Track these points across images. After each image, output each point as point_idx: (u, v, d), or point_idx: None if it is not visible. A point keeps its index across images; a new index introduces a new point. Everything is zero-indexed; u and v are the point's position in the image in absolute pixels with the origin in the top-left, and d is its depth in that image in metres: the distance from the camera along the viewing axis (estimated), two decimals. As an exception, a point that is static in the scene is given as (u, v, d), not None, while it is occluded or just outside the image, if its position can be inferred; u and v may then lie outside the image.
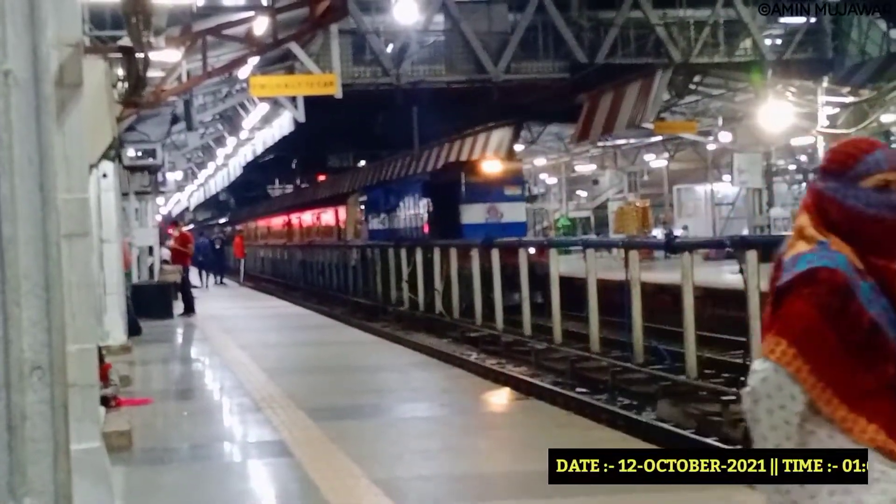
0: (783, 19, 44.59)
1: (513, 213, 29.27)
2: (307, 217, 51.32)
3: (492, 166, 30.12)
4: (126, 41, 10.82)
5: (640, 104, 26.89)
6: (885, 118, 29.14)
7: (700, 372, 14.53)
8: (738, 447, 12.08)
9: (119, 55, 11.57)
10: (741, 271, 13.60)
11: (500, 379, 17.43)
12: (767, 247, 14.20)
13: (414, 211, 32.87)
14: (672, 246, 15.54)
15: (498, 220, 28.34)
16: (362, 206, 39.28)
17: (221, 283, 42.36)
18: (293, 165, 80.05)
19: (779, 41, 44.48)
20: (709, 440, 12.34)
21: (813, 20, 43.82)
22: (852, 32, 42.84)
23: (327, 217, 47.15)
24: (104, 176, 17.05)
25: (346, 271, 38.86)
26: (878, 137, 31.79)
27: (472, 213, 28.78)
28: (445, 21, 42.20)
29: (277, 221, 59.10)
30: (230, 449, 10.42)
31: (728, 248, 14.88)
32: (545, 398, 14.98)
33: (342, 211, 41.90)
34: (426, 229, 31.66)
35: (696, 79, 29.75)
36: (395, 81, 41.87)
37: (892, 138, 34.10)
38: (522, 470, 8.70)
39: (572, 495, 7.79)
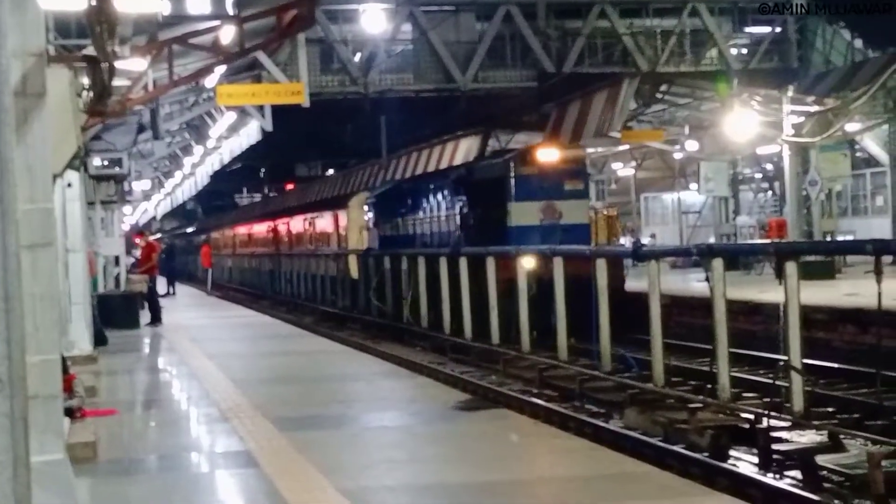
0: (749, 29, 44.96)
1: (574, 212, 23.54)
2: (296, 224, 47.35)
3: (549, 154, 23.99)
4: (91, 50, 10.75)
5: (607, 113, 26.96)
6: (850, 127, 29.31)
7: (667, 380, 14.56)
8: (705, 455, 12.13)
9: (84, 64, 11.50)
10: (707, 279, 13.65)
11: (469, 388, 17.41)
12: (733, 255, 14.28)
13: (443, 212, 27.25)
14: (639, 254, 15.56)
15: (555, 222, 23.03)
16: (369, 210, 33.80)
17: (172, 293, 40.27)
18: (261, 174, 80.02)
19: (744, 51, 44.84)
20: (675, 448, 12.36)
21: (778, 30, 44.21)
22: (817, 42, 43.22)
23: (322, 224, 42.35)
24: (69, 185, 16.95)
25: (344, 284, 37.28)
26: (843, 146, 32.05)
27: (524, 213, 23.16)
28: (413, 30, 42.30)
29: (260, 229, 56.16)
30: (197, 460, 10.35)
31: (694, 256, 14.93)
32: (513, 407, 14.98)
33: (342, 216, 36.83)
34: (457, 234, 26.07)
35: (663, 88, 29.80)
36: (363, 90, 41.96)
37: (857, 147, 34.34)
38: (489, 479, 8.70)
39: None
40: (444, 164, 35.55)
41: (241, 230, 60.26)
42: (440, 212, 27.29)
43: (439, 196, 27.49)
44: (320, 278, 38.01)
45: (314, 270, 39.10)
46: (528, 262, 19.21)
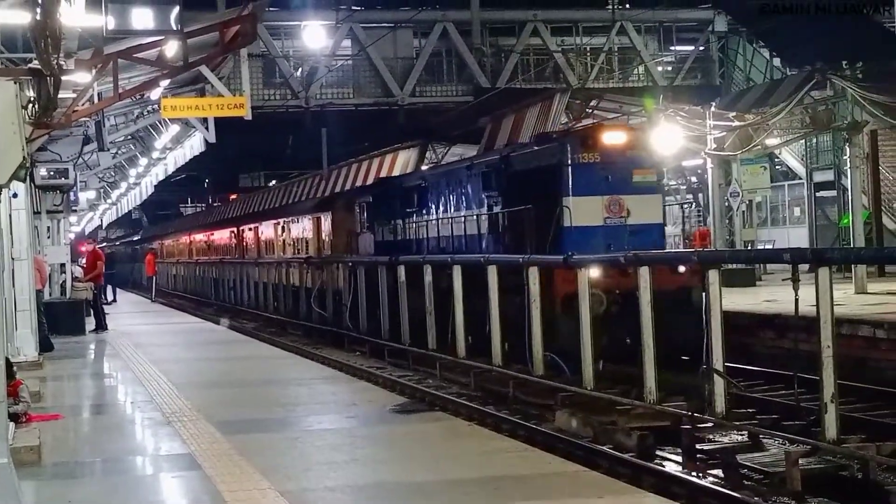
0: (674, 47, 45.49)
1: (645, 210, 18.46)
2: (240, 234, 45.12)
3: (615, 137, 18.67)
4: (37, 63, 10.62)
5: (539, 126, 27.07)
6: (769, 141, 29.75)
7: (596, 383, 14.65)
8: (631, 455, 12.22)
9: (30, 77, 11.36)
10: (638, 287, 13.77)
11: (407, 391, 17.42)
12: (658, 263, 14.40)
13: (465, 212, 21.95)
14: (568, 263, 15.64)
15: (622, 222, 18.18)
16: (362, 213, 28.48)
17: (112, 300, 39.04)
18: (205, 185, 79.56)
19: (669, 68, 45.34)
20: (603, 448, 12.44)
21: (701, 49, 44.77)
22: (738, 60, 43.80)
23: (266, 233, 40.01)
24: (14, 195, 16.76)
25: (286, 291, 36.45)
26: (763, 160, 32.49)
27: (584, 211, 18.07)
28: (353, 46, 42.33)
29: (204, 238, 54.43)
30: (140, 462, 10.24)
31: (622, 264, 15.01)
32: (450, 410, 15.01)
33: (325, 221, 31.63)
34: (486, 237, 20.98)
35: (593, 103, 30.04)
36: (304, 104, 41.88)
37: (776, 160, 34.82)
38: (424, 479, 8.72)
39: (475, 502, 7.84)
40: (383, 175, 35.49)
41: (185, 239, 59.83)
42: (461, 211, 22.13)
43: (459, 193, 22.35)
44: (263, 286, 37.86)
45: (257, 278, 38.92)
46: (594, 273, 15.70)
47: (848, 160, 30.31)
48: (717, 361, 12.28)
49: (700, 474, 11.54)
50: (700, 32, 44.80)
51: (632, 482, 9.91)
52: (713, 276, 12.44)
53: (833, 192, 32.64)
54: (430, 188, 23.97)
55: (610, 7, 43.48)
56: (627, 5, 43.78)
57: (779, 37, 40.99)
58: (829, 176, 32.64)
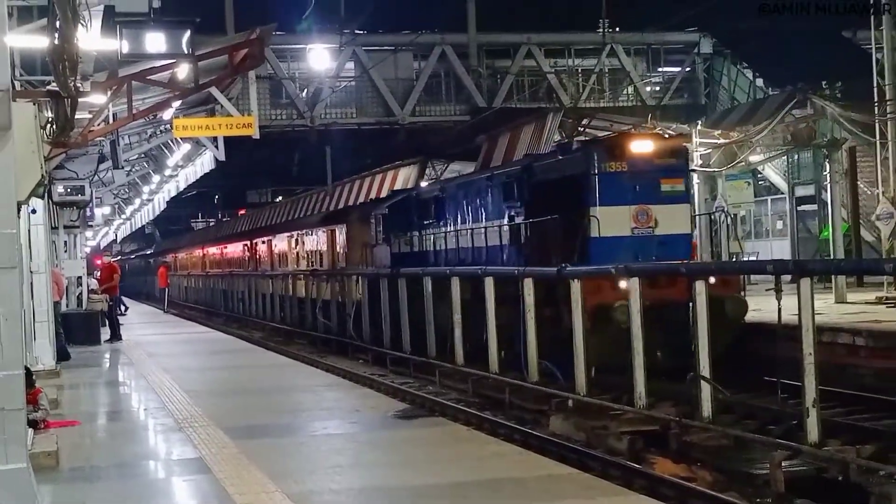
0: (661, 69, 45.59)
1: (673, 220, 17.37)
2: (249, 247, 44.63)
3: (643, 145, 17.52)
4: (54, 86, 10.63)
5: (533, 144, 27.12)
6: (752, 158, 29.79)
7: (589, 389, 14.63)
8: (622, 458, 12.20)
9: (48, 99, 11.37)
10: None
11: (408, 398, 17.40)
12: (648, 275, 14.37)
13: (484, 222, 20.78)
14: (562, 275, 15.62)
15: (650, 232, 17.16)
16: (378, 225, 27.14)
17: (124, 311, 38.10)
18: (215, 200, 79.62)
19: (657, 88, 45.42)
20: (595, 452, 12.43)
21: (688, 70, 44.87)
22: (723, 81, 43.89)
23: (274, 246, 39.43)
24: (33, 212, 16.77)
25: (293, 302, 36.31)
26: (746, 175, 32.51)
27: (611, 222, 17.01)
28: (355, 68, 42.39)
29: (214, 251, 54.03)
30: (154, 467, 10.22)
31: (615, 275, 14.99)
32: (449, 415, 14.99)
33: (340, 233, 30.35)
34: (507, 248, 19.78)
35: (584, 121, 30.08)
36: (310, 123, 41.96)
37: (759, 176, 34.84)
38: (425, 483, 8.70)
39: (471, 505, 7.84)
40: (384, 191, 35.48)
41: (197, 252, 59.81)
42: (480, 222, 21.00)
43: (478, 204, 21.23)
44: (270, 297, 37.82)
45: (265, 290, 38.88)
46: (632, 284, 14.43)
47: (828, 176, 30.31)
48: (704, 368, 12.29)
49: (688, 476, 11.53)
50: (686, 54, 44.91)
51: (623, 484, 9.89)
52: (699, 286, 12.46)
53: (814, 206, 32.66)
54: (447, 199, 22.99)
55: (601, 30, 43.57)
56: (617, 28, 43.84)
57: (761, 58, 41.12)
58: (809, 191, 32.68)
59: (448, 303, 19.43)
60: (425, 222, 23.94)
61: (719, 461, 11.81)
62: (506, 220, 19.69)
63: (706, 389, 12.27)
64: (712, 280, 14.99)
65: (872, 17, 25.13)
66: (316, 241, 33.21)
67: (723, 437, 12.18)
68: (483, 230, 20.69)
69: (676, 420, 12.65)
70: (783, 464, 10.79)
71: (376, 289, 24.68)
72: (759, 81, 42.00)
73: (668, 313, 14.15)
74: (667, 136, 22.26)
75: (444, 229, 22.79)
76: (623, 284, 14.52)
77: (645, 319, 13.54)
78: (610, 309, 14.89)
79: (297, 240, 36.18)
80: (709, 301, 12.22)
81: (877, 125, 24.88)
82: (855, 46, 39.99)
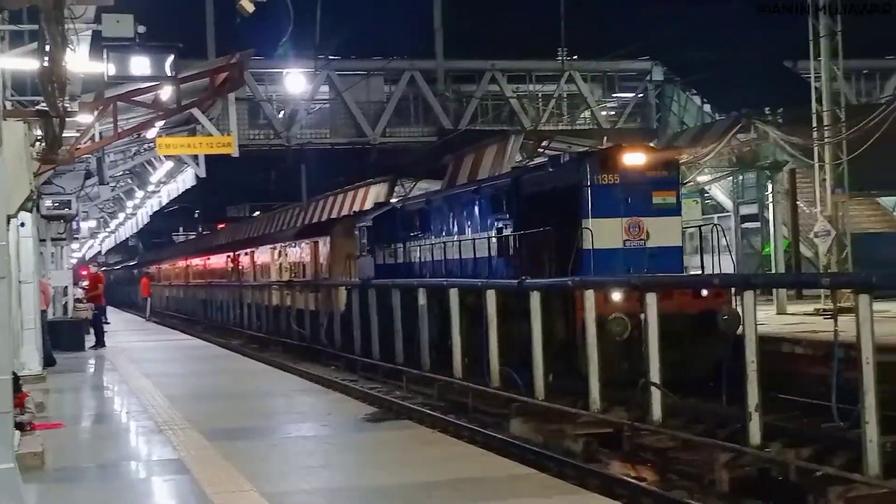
0: (616, 94, 45.88)
1: (664, 232, 16.52)
2: (226, 259, 44.05)
3: (635, 158, 16.60)
4: (44, 106, 10.56)
5: (496, 164, 27.20)
6: (701, 178, 30.04)
7: (547, 394, 14.65)
8: (578, 459, 12.21)
9: (37, 118, 11.29)
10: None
11: (377, 402, 17.35)
12: (599, 287, 14.42)
13: (470, 234, 19.98)
14: (522, 286, 15.65)
15: (641, 245, 16.34)
16: (362, 236, 26.14)
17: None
18: (196, 215, 79.23)
19: (612, 112, 45.69)
20: (552, 453, 12.43)
21: (640, 95, 45.20)
22: (673, 106, 44.22)
23: (250, 259, 38.73)
24: (22, 225, 16.61)
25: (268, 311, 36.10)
26: (695, 194, 32.73)
27: (604, 234, 16.19)
28: (330, 91, 42.39)
29: (195, 263, 53.44)
30: (135, 467, 10.14)
31: (570, 287, 15.03)
32: (415, 419, 14.95)
33: (323, 245, 29.46)
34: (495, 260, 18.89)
35: (544, 143, 30.21)
36: (286, 143, 41.89)
37: (706, 195, 35.08)
38: (392, 483, 8.67)
39: (438, 503, 7.82)
40: (356, 207, 35.42)
41: (178, 264, 59.45)
42: (466, 234, 20.18)
43: (465, 216, 20.42)
44: (247, 306, 37.64)
45: (243, 300, 38.68)
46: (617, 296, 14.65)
47: (770, 195, 30.63)
48: (655, 375, 12.34)
49: (639, 476, 11.56)
50: (639, 81, 45.23)
51: (578, 483, 9.90)
52: (650, 298, 12.52)
53: (757, 224, 32.90)
54: (432, 212, 22.18)
55: (559, 58, 43.79)
56: (575, 56, 44.09)
57: (709, 85, 41.44)
58: (753, 209, 32.92)
59: (416, 313, 19.42)
60: (411, 234, 23.13)
61: (668, 462, 11.85)
62: (494, 232, 18.94)
63: (656, 395, 12.33)
64: (704, 293, 15.17)
65: (812, 48, 25.40)
66: (299, 252, 32.52)
67: (671, 440, 12.23)
68: (471, 242, 19.82)
69: (629, 423, 12.69)
70: (728, 465, 10.84)
71: (349, 299, 24.62)
72: (707, 107, 42.35)
73: (663, 326, 13.32)
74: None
75: (429, 241, 22.00)
76: (617, 297, 14.11)
77: (640, 332, 13.05)
78: (605, 321, 14.13)
79: (279, 252, 35.51)
80: (701, 314, 11.76)
81: (815, 149, 25.13)
82: (795, 75, 40.50)
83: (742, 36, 41.42)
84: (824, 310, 21.94)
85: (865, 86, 44.89)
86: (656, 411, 12.33)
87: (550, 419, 13.84)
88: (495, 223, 18.98)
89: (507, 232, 18.45)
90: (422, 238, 22.50)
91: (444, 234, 21.32)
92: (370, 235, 25.58)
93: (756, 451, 10.73)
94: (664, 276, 14.65)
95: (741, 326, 10.92)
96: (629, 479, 11.13)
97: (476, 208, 19.96)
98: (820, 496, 9.74)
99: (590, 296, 13.61)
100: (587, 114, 44.54)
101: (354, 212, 32.29)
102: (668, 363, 12.56)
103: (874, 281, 9.80)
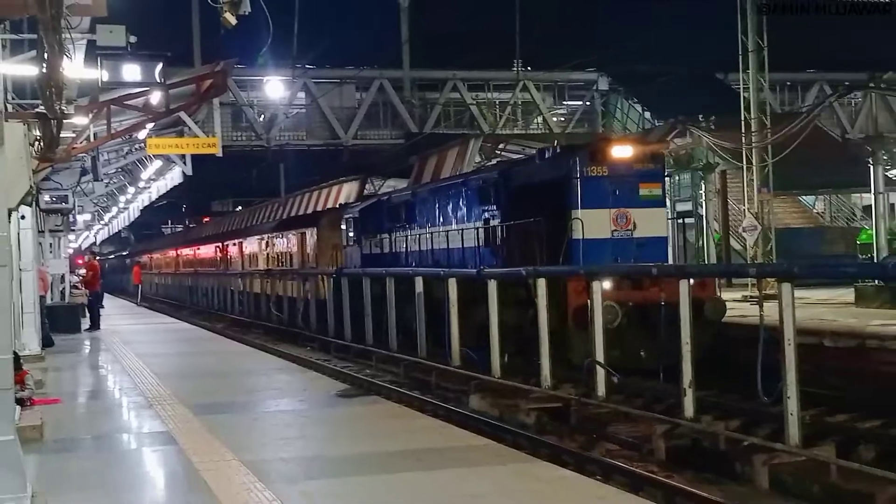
0: (566, 102, 46.02)
1: (650, 223, 15.81)
2: (211, 249, 43.34)
3: (623, 150, 15.82)
4: (42, 108, 10.42)
5: (458, 164, 27.23)
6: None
7: (503, 373, 14.69)
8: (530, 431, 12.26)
9: (36, 119, 11.14)
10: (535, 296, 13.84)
11: (348, 380, 17.31)
12: (551, 276, 14.46)
13: (455, 225, 19.17)
14: (480, 275, 15.68)
15: (629, 235, 15.62)
16: (349, 227, 25.11)
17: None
18: (183, 209, 78.62)
19: (563, 119, 45.83)
20: (507, 426, 12.47)
21: (587, 103, 45.39)
22: (617, 113, 44.44)
23: (232, 249, 37.58)
24: (23, 217, 16.42)
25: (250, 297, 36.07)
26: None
27: (592, 224, 15.45)
28: (306, 97, 42.18)
29: (182, 253, 52.74)
30: (127, 439, 10.05)
31: (524, 276, 15.05)
32: (383, 394, 14.95)
33: (310, 236, 28.43)
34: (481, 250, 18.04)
35: (501, 146, 30.28)
36: (266, 144, 41.66)
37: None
38: (361, 452, 8.67)
39: (399, 471, 7.82)
40: (330, 203, 35.27)
41: (167, 254, 58.96)
42: (452, 225, 19.32)
43: (451, 207, 19.50)
44: (230, 292, 37.40)
45: (227, 286, 38.44)
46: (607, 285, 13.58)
47: (703, 194, 30.87)
48: (600, 355, 12.41)
49: (585, 446, 11.62)
50: (587, 90, 45.41)
51: (531, 453, 9.94)
52: (596, 286, 12.57)
53: (692, 220, 33.19)
54: (418, 204, 21.16)
55: (515, 69, 43.87)
56: (529, 67, 44.18)
57: (649, 95, 41.70)
58: (688, 206, 33.20)
59: (385, 299, 19.39)
60: (397, 225, 22.05)
61: (612, 433, 11.92)
62: (482, 223, 18.05)
63: (601, 373, 12.40)
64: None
65: (741, 62, 25.62)
66: (286, 243, 31.68)
67: (614, 413, 12.31)
68: (458, 232, 18.89)
69: (576, 398, 12.76)
70: (664, 436, 10.93)
71: (324, 287, 24.54)
72: (647, 114, 42.60)
73: (653, 314, 12.83)
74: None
75: (414, 232, 21.02)
76: (607, 286, 13.39)
77: (629, 320, 12.84)
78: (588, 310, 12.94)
79: (266, 242, 34.61)
80: (690, 303, 10.87)
81: (743, 152, 25.38)
82: (726, 86, 40.86)
83: (679, 51, 41.82)
84: (751, 297, 22.17)
85: (788, 96, 45.35)
86: (600, 388, 12.40)
87: (506, 395, 13.89)
88: (482, 214, 18.13)
89: (494, 223, 17.64)
90: (408, 229, 21.48)
91: (430, 225, 20.32)
92: (356, 226, 24.64)
93: (690, 423, 10.83)
94: (608, 267, 14.60)
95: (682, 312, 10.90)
96: (575, 450, 11.20)
97: (463, 200, 19.04)
98: (746, 463, 9.86)
99: (541, 283, 13.62)
100: (539, 120, 44.62)
101: (340, 204, 31.28)
102: (660, 350, 12.14)
103: (795, 271, 9.92)
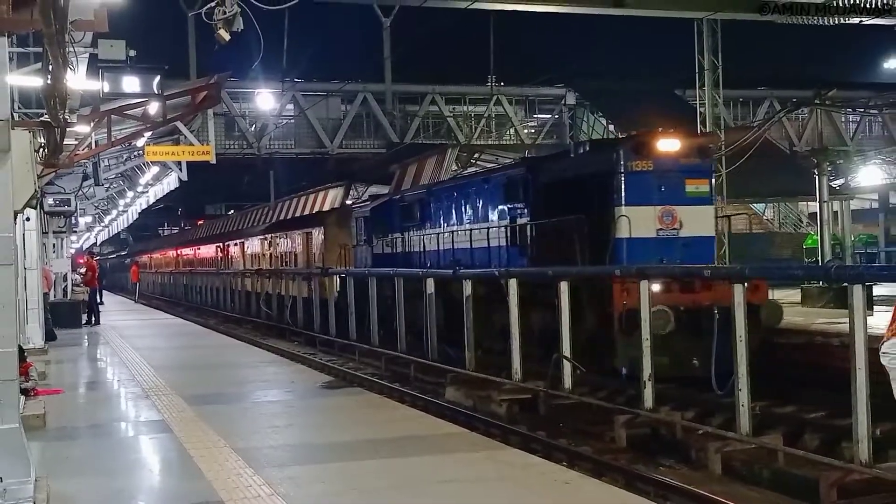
0: (536, 115, 46.16)
1: (697, 222, 13.80)
2: (205, 250, 42.82)
3: (669, 144, 13.77)
4: (46, 117, 10.33)
5: (436, 173, 27.19)
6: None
7: (477, 366, 14.70)
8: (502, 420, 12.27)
9: (41, 128, 11.05)
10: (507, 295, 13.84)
11: (333, 372, 17.28)
12: (525, 278, 14.45)
13: (480, 224, 17.05)
14: (456, 275, 15.67)
15: (674, 234, 13.60)
16: (359, 226, 23.28)
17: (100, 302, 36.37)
18: (178, 212, 78.18)
19: (533, 131, 45.96)
20: (480, 415, 12.48)
21: (556, 116, 45.54)
22: (583, 126, 44.60)
23: (286, 244, 33.68)
24: (27, 219, 16.28)
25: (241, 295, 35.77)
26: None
27: (637, 222, 13.43)
28: (294, 108, 42.07)
29: (178, 253, 52.20)
30: (124, 427, 9.99)
31: (499, 279, 15.03)
32: (365, 386, 14.93)
33: (317, 235, 26.70)
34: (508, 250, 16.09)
35: (476, 156, 30.29)
36: (257, 152, 41.53)
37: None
38: (345, 440, 8.66)
39: (380, 457, 7.81)
40: (317, 207, 35.15)
41: (163, 254, 58.58)
42: (473, 223, 17.31)
43: (471, 205, 17.49)
44: (223, 290, 37.19)
45: (219, 285, 38.23)
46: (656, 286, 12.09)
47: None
48: (566, 350, 12.45)
49: (552, 434, 11.65)
50: (556, 104, 45.53)
51: (502, 441, 9.97)
52: (563, 286, 12.60)
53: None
54: (433, 202, 19.13)
55: (489, 84, 43.93)
56: (502, 83, 44.25)
57: (613, 109, 41.89)
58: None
59: (367, 297, 19.36)
60: (409, 224, 19.95)
61: (577, 423, 11.96)
62: (507, 221, 16.03)
63: (567, 367, 12.43)
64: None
65: (697, 80, 25.79)
66: (291, 243, 29.93)
67: (579, 404, 12.35)
68: (483, 231, 16.78)
69: (544, 391, 12.79)
70: (625, 425, 10.97)
71: (309, 284, 24.46)
72: (612, 127, 42.79)
73: (704, 319, 11.61)
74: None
75: (430, 231, 19.03)
76: (656, 288, 11.94)
77: (680, 325, 11.66)
78: (637, 313, 11.24)
79: (269, 242, 33.61)
80: (747, 308, 9.59)
81: (700, 163, 25.46)
82: (684, 101, 41.08)
83: (640, 69, 42.02)
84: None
85: (741, 111, 45.67)
86: (567, 381, 12.44)
87: (479, 387, 13.90)
88: (508, 212, 16.06)
89: (522, 221, 15.54)
90: (423, 228, 19.39)
91: (448, 224, 18.30)
92: (367, 226, 22.58)
93: (648, 413, 10.88)
94: (574, 269, 14.06)
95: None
96: (543, 437, 11.23)
97: (485, 198, 16.97)
98: (700, 450, 9.92)
99: (512, 283, 13.63)
100: (512, 131, 44.71)
101: (350, 203, 29.03)
102: (707, 357, 11.04)
103: (747, 273, 10.00)
